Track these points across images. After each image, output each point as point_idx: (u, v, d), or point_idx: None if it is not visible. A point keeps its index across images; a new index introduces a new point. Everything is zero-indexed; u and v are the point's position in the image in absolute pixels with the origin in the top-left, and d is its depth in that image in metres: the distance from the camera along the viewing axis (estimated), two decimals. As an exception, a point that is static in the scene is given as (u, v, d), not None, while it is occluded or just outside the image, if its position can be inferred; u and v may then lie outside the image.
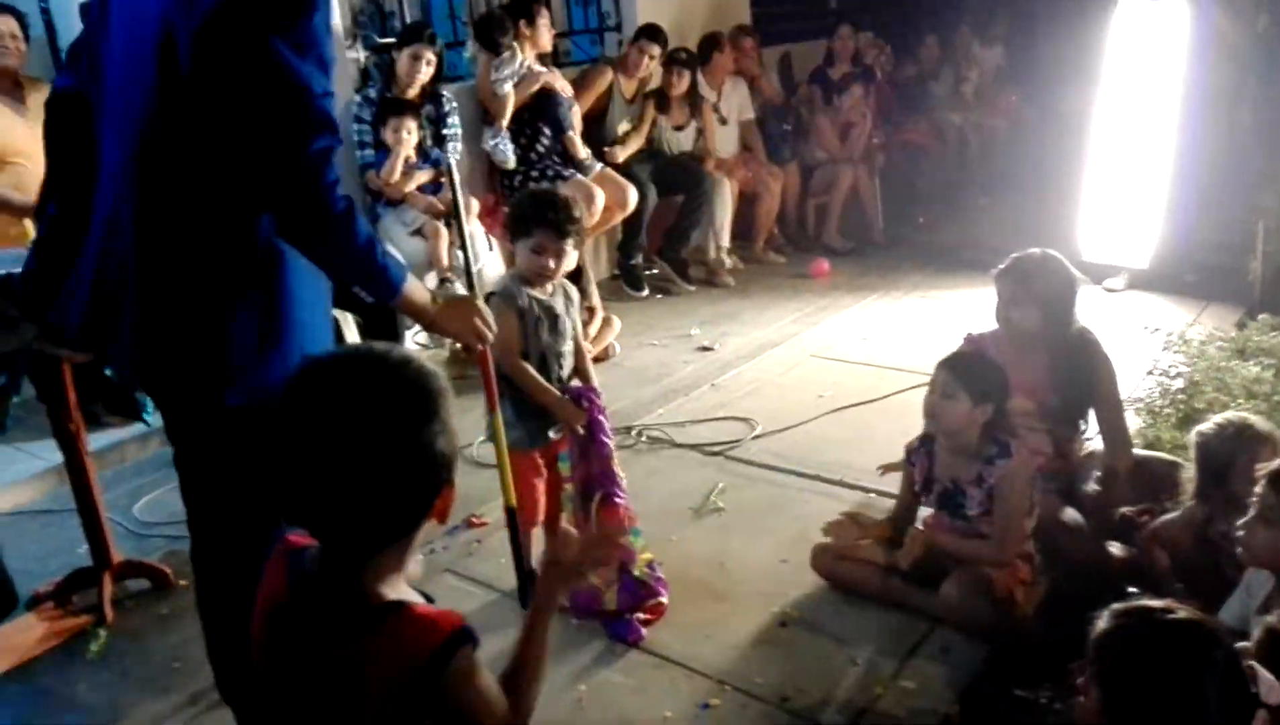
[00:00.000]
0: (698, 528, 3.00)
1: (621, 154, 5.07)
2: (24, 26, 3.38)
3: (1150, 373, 3.30)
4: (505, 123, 4.52)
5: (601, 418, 2.56)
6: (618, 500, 2.52)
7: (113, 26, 1.65)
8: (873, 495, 3.11)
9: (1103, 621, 1.35)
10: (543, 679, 1.29)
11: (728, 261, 5.58)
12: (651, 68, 5.25)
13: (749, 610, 2.56)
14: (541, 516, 2.65)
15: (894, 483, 3.09)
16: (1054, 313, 2.70)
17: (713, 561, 2.80)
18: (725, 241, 5.57)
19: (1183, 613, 1.31)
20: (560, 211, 2.51)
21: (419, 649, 1.10)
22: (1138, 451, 2.82)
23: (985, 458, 2.44)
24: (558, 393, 2.55)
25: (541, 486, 2.62)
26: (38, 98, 3.47)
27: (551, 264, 2.53)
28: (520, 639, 1.30)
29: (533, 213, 2.53)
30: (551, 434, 2.58)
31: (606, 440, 2.56)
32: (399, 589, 1.17)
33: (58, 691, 2.44)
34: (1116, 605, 1.36)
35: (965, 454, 2.48)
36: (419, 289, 1.74)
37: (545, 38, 4.71)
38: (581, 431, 2.52)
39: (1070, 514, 2.71)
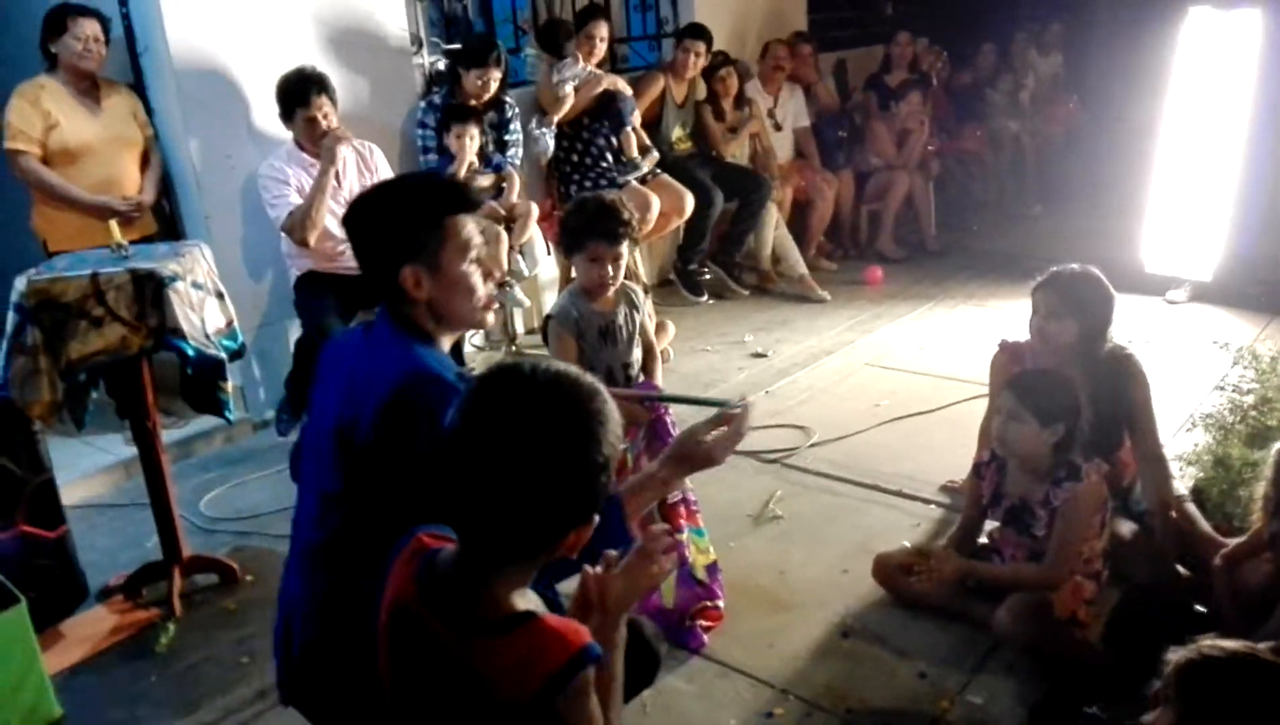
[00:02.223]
0: (757, 536, 3.00)
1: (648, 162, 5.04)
2: (106, 30, 3.47)
3: (1219, 388, 3.24)
4: (558, 119, 4.55)
5: (666, 417, 2.56)
6: (683, 498, 2.53)
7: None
8: (933, 507, 3.09)
9: (1190, 653, 1.33)
10: (620, 708, 1.30)
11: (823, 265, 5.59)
12: (699, 66, 5.26)
13: (811, 620, 2.56)
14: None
15: (955, 494, 3.09)
16: (1090, 328, 2.67)
17: (773, 570, 2.80)
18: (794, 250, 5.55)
19: (1271, 656, 1.30)
20: (611, 217, 2.48)
21: (548, 661, 1.11)
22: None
23: (1054, 479, 2.42)
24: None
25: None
26: (113, 100, 3.56)
27: (610, 271, 2.51)
28: None
29: (583, 223, 2.51)
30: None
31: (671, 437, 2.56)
32: (528, 599, 1.20)
33: (128, 684, 2.49)
34: (1206, 642, 1.34)
35: (1035, 473, 2.45)
36: None
37: (600, 49, 4.76)
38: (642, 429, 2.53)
39: (1127, 527, 2.68)
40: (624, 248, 2.54)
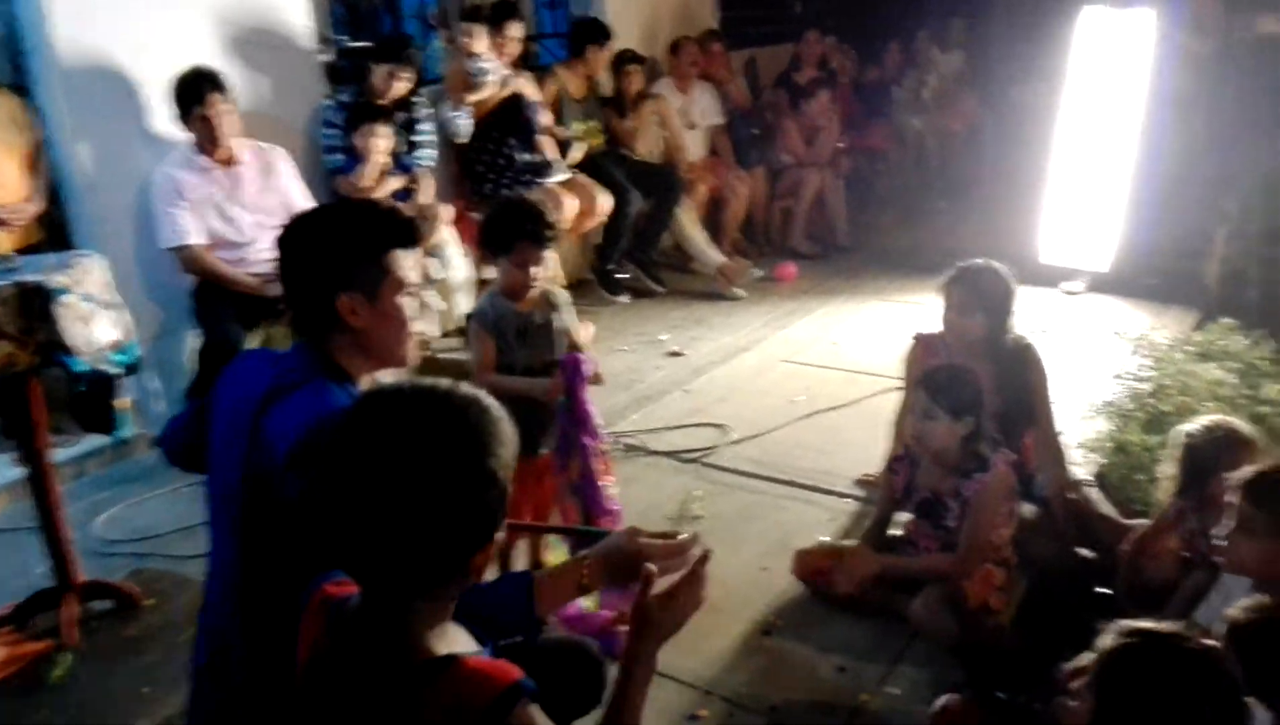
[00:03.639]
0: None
1: (576, 154, 5.04)
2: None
3: (1118, 377, 3.36)
4: (469, 100, 4.48)
5: (583, 392, 2.53)
6: (608, 507, 2.52)
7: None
8: (848, 500, 3.14)
9: (1109, 638, 1.37)
10: None
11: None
12: (599, 63, 5.27)
13: (732, 619, 2.57)
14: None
15: (870, 488, 3.14)
16: (995, 320, 2.78)
17: (694, 570, 2.80)
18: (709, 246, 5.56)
19: (1193, 642, 1.34)
20: (538, 221, 2.52)
21: (474, 705, 1.05)
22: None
23: (964, 471, 2.47)
24: (531, 380, 2.55)
25: (526, 501, 2.60)
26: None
27: (535, 274, 2.54)
28: (613, 703, 1.28)
29: (510, 226, 2.53)
30: (542, 449, 2.57)
31: (588, 413, 2.53)
32: (448, 639, 1.14)
33: (17, 719, 2.36)
34: (1125, 624, 1.38)
35: (946, 467, 2.50)
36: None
37: (515, 48, 4.71)
38: (562, 397, 2.51)
39: (1028, 509, 2.77)
40: (548, 253, 2.56)
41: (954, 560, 2.46)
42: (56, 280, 2.30)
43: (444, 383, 1.14)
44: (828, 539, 2.83)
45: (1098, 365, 3.91)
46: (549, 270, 2.61)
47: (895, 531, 2.69)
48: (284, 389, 1.59)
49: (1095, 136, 5.08)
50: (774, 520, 3.04)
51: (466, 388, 1.15)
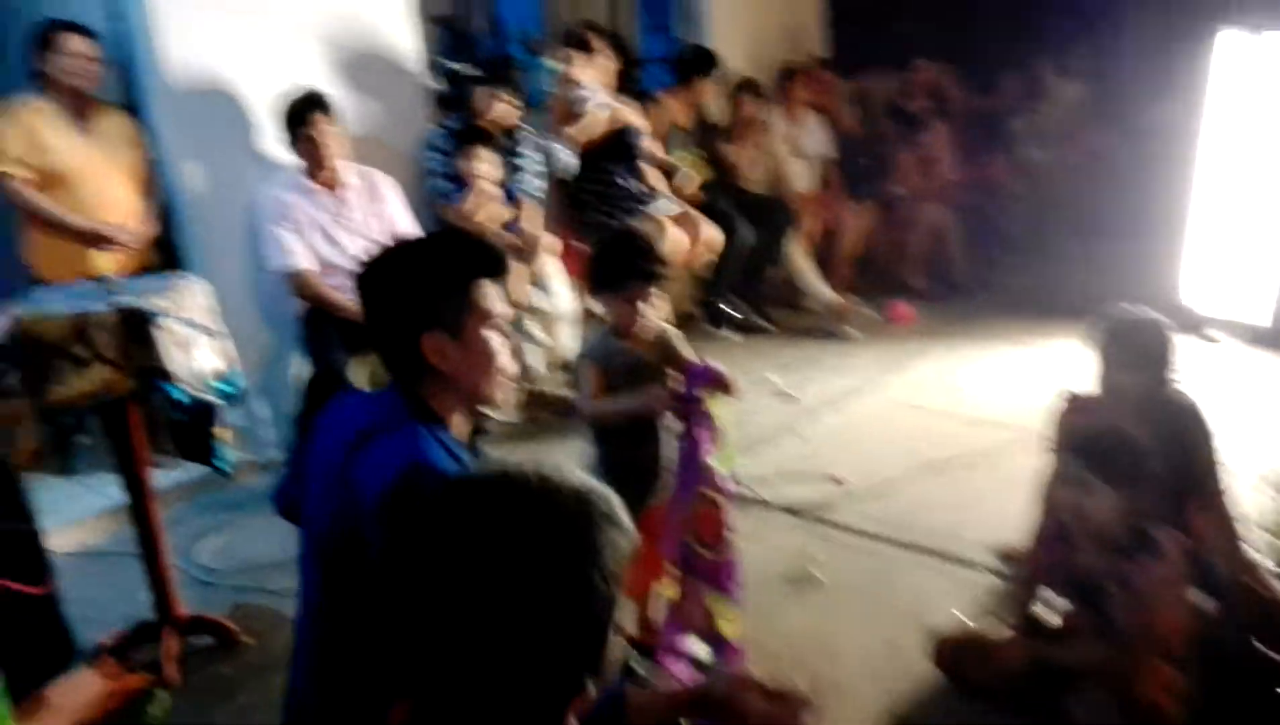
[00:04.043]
0: (796, 601, 2.76)
1: (689, 186, 4.86)
2: (101, 49, 3.27)
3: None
4: (576, 134, 4.35)
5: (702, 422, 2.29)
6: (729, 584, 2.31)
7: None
8: (985, 571, 2.85)
9: None
10: None
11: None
12: (704, 93, 5.11)
13: (856, 705, 2.32)
14: (635, 591, 2.43)
15: (1011, 561, 2.85)
16: (1155, 377, 2.48)
17: (815, 642, 2.56)
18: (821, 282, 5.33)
19: None
20: (649, 257, 2.37)
21: None
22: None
23: (1128, 552, 2.18)
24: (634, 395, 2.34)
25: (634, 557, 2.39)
26: (105, 122, 3.35)
27: (648, 313, 2.36)
28: None
29: (620, 263, 2.37)
30: (650, 501, 2.37)
31: (701, 450, 2.28)
32: None
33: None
34: None
35: (1107, 547, 2.21)
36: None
37: (610, 75, 4.58)
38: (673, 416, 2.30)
39: (1201, 598, 2.44)
40: (660, 290, 2.39)
41: (1119, 654, 2.17)
42: (156, 304, 2.21)
43: (554, 468, 0.97)
44: (967, 619, 2.56)
45: (1262, 428, 3.55)
46: (661, 309, 2.43)
47: (1046, 615, 2.41)
48: (373, 434, 1.48)
49: (1242, 168, 4.67)
50: (903, 589, 2.78)
51: (575, 476, 0.98)
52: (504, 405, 1.69)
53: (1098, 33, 7.69)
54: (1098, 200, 6.76)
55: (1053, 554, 2.35)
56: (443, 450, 1.49)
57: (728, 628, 2.34)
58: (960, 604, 2.69)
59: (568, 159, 4.33)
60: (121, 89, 3.53)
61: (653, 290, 2.36)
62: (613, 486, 2.28)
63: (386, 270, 1.58)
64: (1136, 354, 2.49)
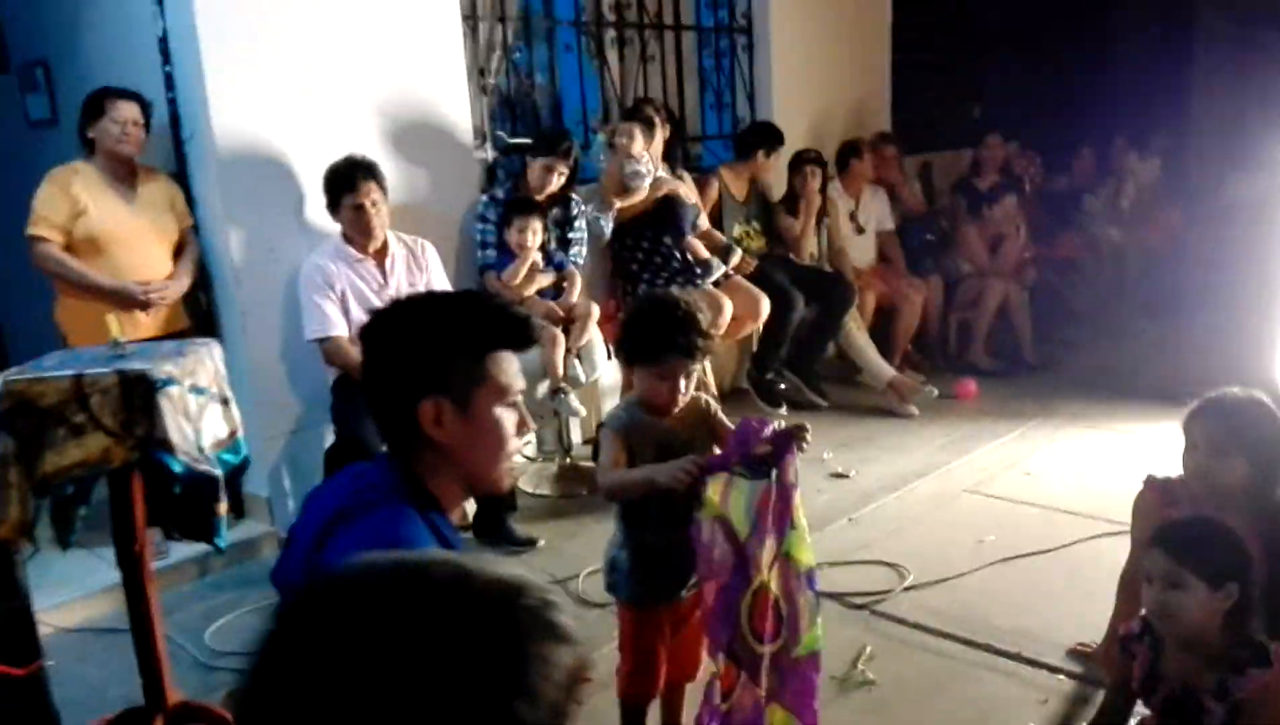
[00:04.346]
0: (844, 705, 2.48)
1: (744, 265, 4.72)
2: (147, 114, 3.29)
3: None
4: (620, 203, 4.25)
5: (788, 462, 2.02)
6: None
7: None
8: (1060, 677, 2.54)
9: None
10: None
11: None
12: (768, 167, 5.02)
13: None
14: (660, 687, 2.20)
15: (1087, 662, 2.56)
16: (1263, 467, 2.18)
17: (866, 754, 2.29)
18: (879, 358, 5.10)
19: None
20: (688, 327, 2.06)
21: None
22: None
23: (1231, 663, 1.89)
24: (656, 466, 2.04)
25: (664, 653, 2.16)
26: (150, 187, 3.36)
27: (681, 388, 2.09)
28: None
29: (656, 333, 2.08)
30: (684, 593, 2.14)
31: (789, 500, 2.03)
32: None
33: None
34: None
35: (1203, 654, 1.92)
36: None
37: (659, 147, 4.50)
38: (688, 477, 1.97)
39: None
40: (699, 362, 2.14)
41: (1220, 782, 1.86)
42: (164, 370, 2.09)
43: (491, 566, 0.72)
44: (1038, 729, 2.26)
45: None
46: (698, 383, 2.20)
47: (1130, 729, 2.11)
48: (352, 512, 1.30)
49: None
50: (967, 695, 2.48)
51: (501, 569, 0.72)
52: (504, 490, 1.50)
53: (1174, 111, 7.48)
54: (1175, 279, 6.44)
55: (1139, 659, 2.06)
56: (432, 536, 1.32)
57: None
58: (1031, 713, 2.39)
59: (603, 224, 4.23)
60: (173, 156, 3.53)
61: (692, 366, 2.10)
62: (642, 574, 2.13)
63: (394, 323, 1.42)
64: (1238, 438, 2.21)
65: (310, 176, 3.52)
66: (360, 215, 3.35)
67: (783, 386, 4.92)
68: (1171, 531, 1.99)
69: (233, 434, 2.34)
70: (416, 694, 0.63)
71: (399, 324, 1.41)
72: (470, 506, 3.59)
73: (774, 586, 2.03)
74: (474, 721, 0.64)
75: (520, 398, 1.43)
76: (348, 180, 3.34)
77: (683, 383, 2.08)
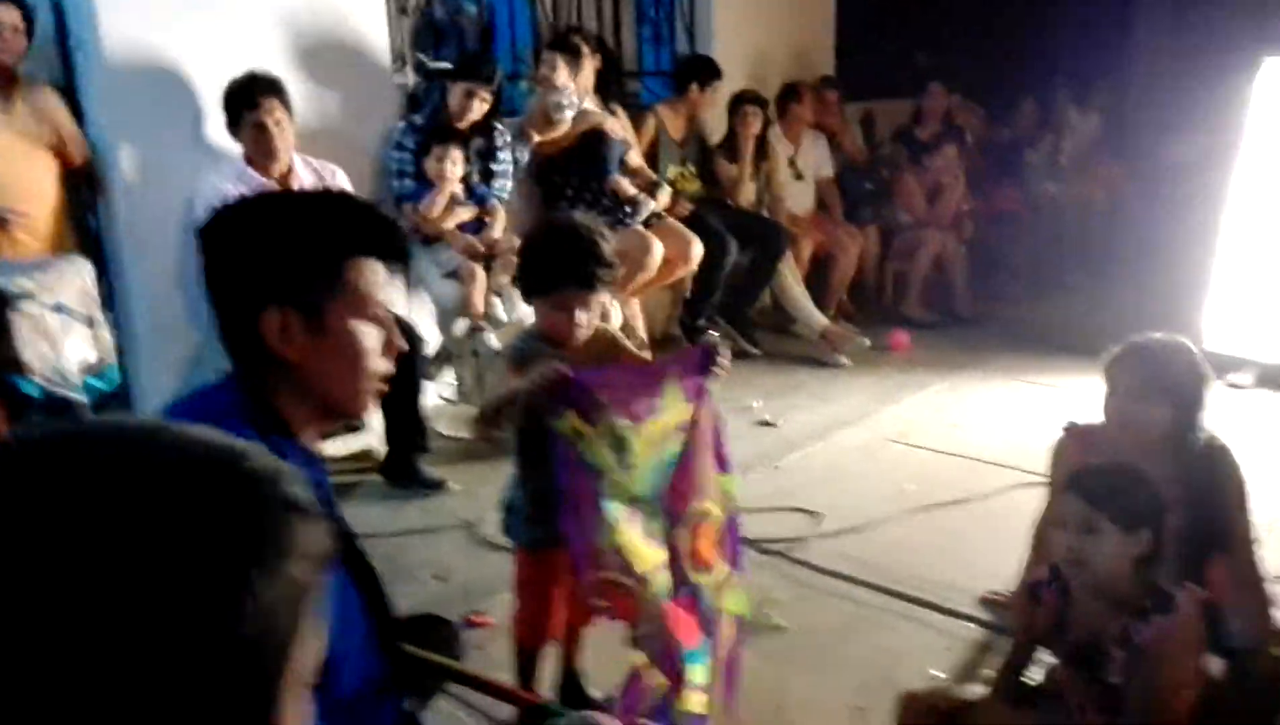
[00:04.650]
0: (749, 650, 2.40)
1: (679, 205, 4.58)
2: (29, 19, 3.03)
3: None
4: (536, 137, 4.09)
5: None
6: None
7: None
8: (971, 625, 2.51)
9: None
10: None
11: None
12: (706, 104, 4.85)
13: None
14: (556, 633, 2.10)
15: (998, 610, 2.52)
16: (1183, 412, 2.13)
17: (768, 701, 2.22)
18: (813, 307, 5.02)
19: None
20: (587, 258, 1.92)
21: None
22: None
23: (1137, 610, 1.84)
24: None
25: (560, 598, 2.06)
26: (28, 98, 3.10)
27: (581, 320, 1.95)
28: None
29: (550, 263, 1.95)
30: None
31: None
32: None
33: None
34: None
35: (1110, 601, 1.88)
36: None
37: (589, 80, 4.30)
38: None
39: (1217, 664, 2.10)
40: (600, 296, 1.99)
41: (1120, 727, 1.83)
42: (20, 285, 1.92)
43: (213, 437, 0.61)
44: (944, 677, 2.22)
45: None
46: (600, 315, 2.06)
47: (1034, 677, 2.06)
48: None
49: (1271, 206, 4.37)
50: (874, 642, 2.43)
51: (258, 456, 0.61)
52: (362, 416, 1.34)
53: (1117, 62, 7.46)
54: (1111, 235, 6.47)
55: (1047, 606, 2.01)
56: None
57: (693, 703, 1.85)
58: (939, 661, 2.35)
59: (521, 156, 4.06)
60: (59, 67, 3.27)
61: (591, 297, 1.94)
62: (537, 517, 2.01)
63: (236, 222, 1.25)
64: (1159, 383, 2.15)
65: (210, 93, 3.29)
66: (262, 135, 3.14)
67: (715, 334, 4.81)
68: (1087, 477, 1.93)
69: (103, 360, 2.17)
70: (134, 560, 0.53)
71: (242, 223, 1.24)
72: (380, 447, 3.46)
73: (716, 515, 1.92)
74: (202, 593, 0.54)
75: (388, 313, 1.29)
76: (248, 96, 3.12)
77: (581, 314, 1.94)
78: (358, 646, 1.29)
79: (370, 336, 1.25)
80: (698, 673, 1.85)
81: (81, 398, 2.01)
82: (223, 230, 1.24)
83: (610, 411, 1.79)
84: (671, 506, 1.87)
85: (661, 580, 1.83)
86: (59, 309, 2.01)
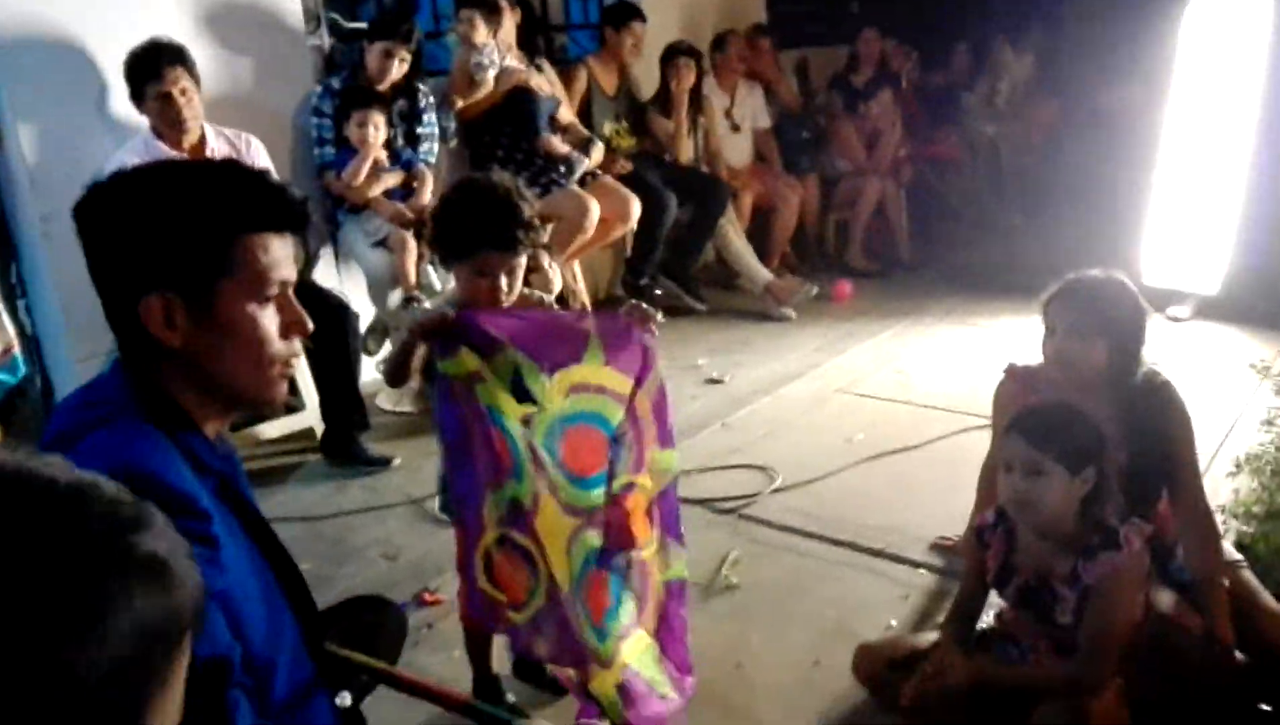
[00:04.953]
0: (706, 611, 2.38)
1: (619, 164, 4.49)
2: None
3: (1268, 422, 2.70)
4: (462, 103, 3.95)
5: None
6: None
7: None
8: (922, 571, 2.50)
9: None
10: None
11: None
12: (634, 51, 4.71)
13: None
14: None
15: (949, 554, 2.52)
16: (1122, 348, 2.12)
17: (725, 660, 2.19)
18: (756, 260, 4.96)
19: None
20: (505, 215, 1.83)
21: None
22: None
23: (1083, 548, 1.84)
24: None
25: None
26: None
27: (502, 284, 1.86)
28: None
29: (468, 225, 1.85)
30: None
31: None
32: None
33: None
34: None
35: (1057, 541, 1.87)
36: None
37: (510, 30, 4.13)
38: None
39: (1167, 599, 2.12)
40: (522, 258, 1.91)
41: (1076, 669, 1.82)
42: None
43: (48, 469, 0.54)
44: (897, 625, 2.21)
45: (1222, 407, 3.25)
46: (543, 282, 1.99)
47: (985, 621, 2.06)
48: (71, 436, 1.06)
49: (1201, 143, 4.41)
50: (829, 595, 2.42)
51: (87, 476, 0.55)
52: (276, 403, 1.25)
53: (1052, 6, 7.45)
54: (1049, 175, 6.51)
55: (993, 550, 2.00)
56: (179, 457, 1.10)
57: (601, 685, 1.76)
58: (895, 610, 2.34)
59: (448, 126, 3.93)
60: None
61: (513, 260, 1.86)
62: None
63: (110, 202, 1.14)
64: (1097, 320, 2.13)
65: (112, 64, 3.11)
66: (168, 105, 2.98)
67: (658, 292, 4.76)
68: (1029, 418, 1.91)
69: (8, 350, 2.05)
70: None
71: (118, 200, 1.13)
72: (318, 425, 3.35)
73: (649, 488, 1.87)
74: (16, 649, 0.47)
75: (286, 289, 1.19)
76: (151, 66, 2.96)
77: (503, 280, 1.86)
78: (290, 648, 1.23)
79: (267, 319, 1.16)
80: (608, 648, 1.77)
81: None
82: (97, 208, 1.13)
83: (512, 350, 1.70)
84: (567, 464, 1.79)
85: (562, 554, 1.73)
86: (-49, 300, 1.88)
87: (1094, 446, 1.85)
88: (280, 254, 1.17)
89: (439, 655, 2.23)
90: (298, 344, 1.22)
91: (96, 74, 3.16)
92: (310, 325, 1.22)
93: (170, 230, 1.11)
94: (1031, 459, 1.83)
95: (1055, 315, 2.15)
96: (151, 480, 1.02)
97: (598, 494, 1.81)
